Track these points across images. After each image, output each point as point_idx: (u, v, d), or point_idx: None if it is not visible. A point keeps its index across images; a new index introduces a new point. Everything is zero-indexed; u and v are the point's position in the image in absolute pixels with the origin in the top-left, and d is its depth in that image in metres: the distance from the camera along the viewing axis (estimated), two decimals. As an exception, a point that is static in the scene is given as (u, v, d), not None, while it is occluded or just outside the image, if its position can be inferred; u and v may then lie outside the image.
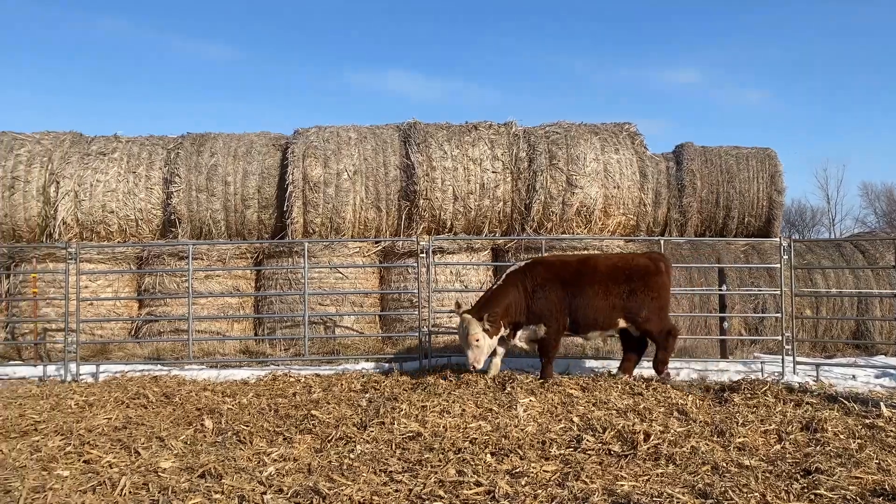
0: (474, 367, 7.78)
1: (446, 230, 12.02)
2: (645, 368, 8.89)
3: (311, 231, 11.99)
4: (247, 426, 6.20)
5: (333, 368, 9.48)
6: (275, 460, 5.22)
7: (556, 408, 6.63)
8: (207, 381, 8.65)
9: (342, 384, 8.04)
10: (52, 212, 11.91)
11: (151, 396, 7.44)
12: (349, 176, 11.91)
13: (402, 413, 6.29)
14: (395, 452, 5.32)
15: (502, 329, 8.01)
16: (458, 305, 8.15)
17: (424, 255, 9.71)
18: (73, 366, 9.29)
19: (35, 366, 9.79)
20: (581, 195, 11.78)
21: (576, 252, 11.10)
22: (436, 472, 4.67)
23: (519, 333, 8.21)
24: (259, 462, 5.21)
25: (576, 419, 6.18)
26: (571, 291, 8.04)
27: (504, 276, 8.38)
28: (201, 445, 5.73)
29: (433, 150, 11.94)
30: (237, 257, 11.89)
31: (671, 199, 13.17)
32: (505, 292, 8.06)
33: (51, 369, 9.52)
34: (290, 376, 8.82)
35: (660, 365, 8.26)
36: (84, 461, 5.34)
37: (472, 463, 4.89)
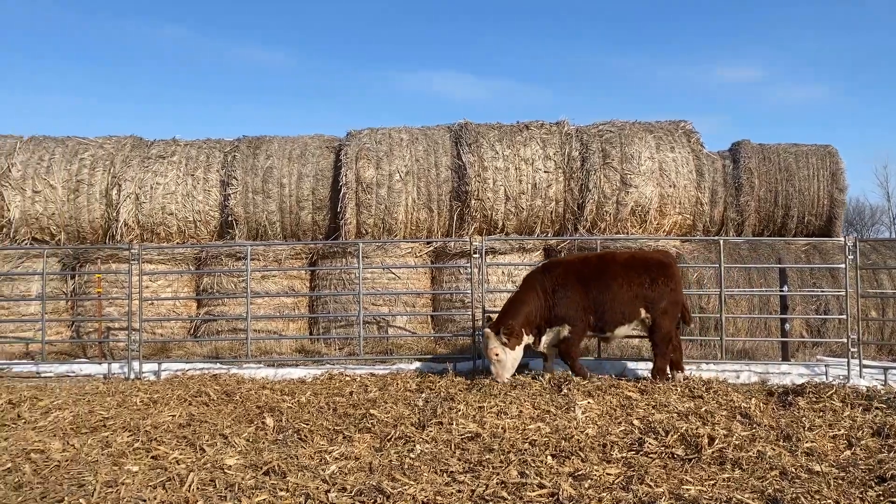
0: (499, 381, 7.72)
1: (498, 230, 11.99)
2: (703, 371, 8.74)
3: (364, 232, 12.11)
4: (307, 424, 6.29)
5: (388, 368, 9.54)
6: (336, 458, 5.27)
7: (614, 410, 6.54)
8: (266, 380, 8.81)
9: (397, 384, 8.09)
10: (114, 214, 12.28)
11: (212, 394, 7.61)
12: (401, 177, 11.98)
13: (459, 413, 6.29)
14: (454, 453, 5.32)
15: (525, 337, 7.98)
16: (489, 319, 8.23)
17: (477, 255, 9.69)
18: (136, 364, 9.55)
19: (100, 363, 10.10)
20: (636, 194, 11.63)
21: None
22: (497, 474, 4.65)
23: (543, 339, 8.16)
24: (321, 460, 5.27)
25: (636, 422, 6.08)
26: (594, 287, 8.02)
27: (522, 281, 8.39)
28: (263, 443, 5.83)
29: (484, 150, 11.93)
30: (292, 258, 12.07)
31: (728, 197, 12.88)
32: (522, 300, 8.03)
33: (115, 367, 9.81)
34: (346, 375, 8.92)
35: (659, 374, 8.08)
36: (152, 457, 5.48)
37: (533, 465, 4.86)
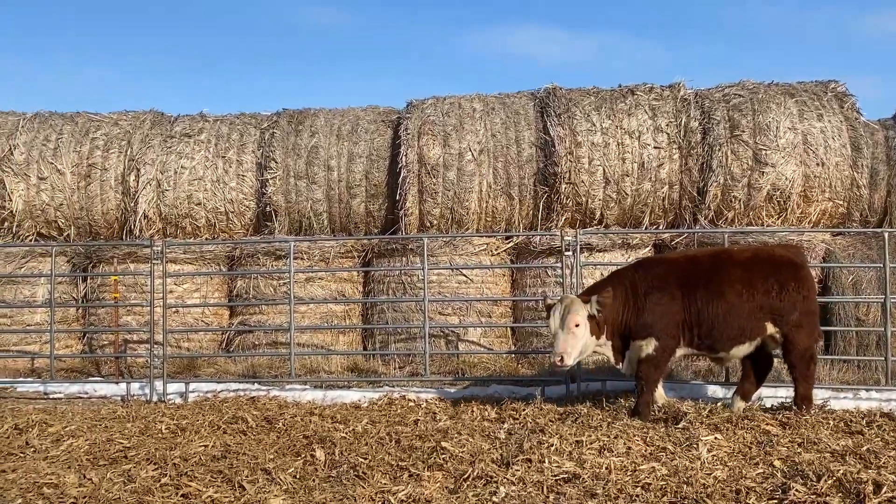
0: (560, 361, 7.38)
1: (595, 222, 11.91)
2: (862, 401, 8.47)
3: (429, 224, 12.19)
4: (365, 459, 6.37)
5: (459, 391, 9.58)
6: (402, 501, 5.33)
7: (749, 448, 6.41)
8: (313, 404, 8.97)
9: (473, 411, 8.12)
10: (132, 204, 12.73)
11: (251, 421, 7.79)
12: (474, 156, 12.02)
13: (552, 449, 6.27)
14: (547, 497, 5.31)
15: (604, 336, 7.74)
16: (546, 297, 8.19)
17: (569, 252, 9.64)
18: (158, 384, 9.89)
19: (117, 383, 10.50)
20: (773, 175, 11.35)
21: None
22: (604, 524, 4.62)
23: (627, 354, 7.93)
24: (383, 502, 5.33)
25: (777, 463, 5.95)
26: (702, 295, 7.72)
27: (609, 276, 8.31)
28: (314, 480, 5.94)
29: (578, 121, 11.85)
30: (342, 256, 12.25)
31: (893, 179, 12.41)
32: (613, 288, 7.76)
33: (134, 387, 10.18)
34: (409, 399, 9.01)
35: (804, 402, 7.78)
36: (182, 495, 5.65)
37: (646, 514, 4.80)
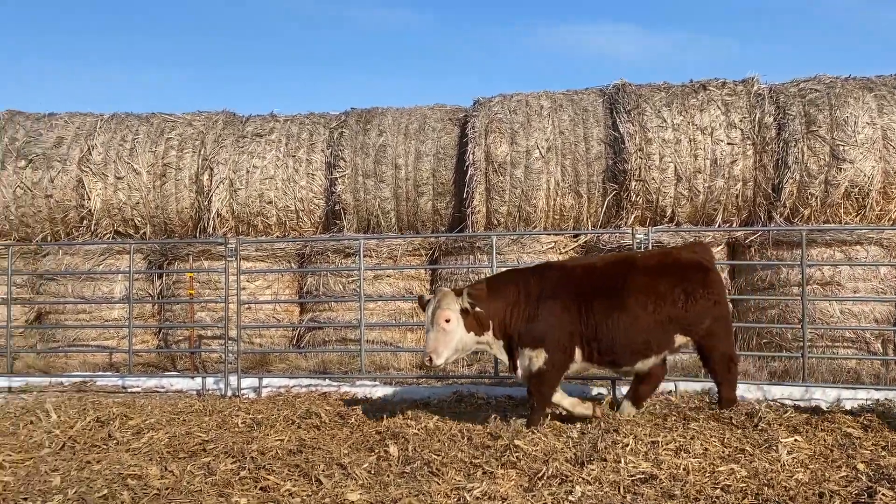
0: (429, 361, 6.96)
1: (666, 219, 11.75)
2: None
3: (496, 222, 12.20)
4: (438, 455, 6.40)
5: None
6: (477, 498, 5.34)
7: (830, 451, 6.27)
8: (384, 400, 9.05)
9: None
10: (205, 203, 13.02)
11: (324, 416, 7.91)
12: (541, 154, 11.98)
13: (627, 449, 6.21)
14: (624, 497, 5.27)
15: (490, 332, 7.23)
16: (421, 297, 7.59)
17: (641, 250, 9.52)
18: (233, 378, 10.08)
19: (192, 377, 10.73)
20: (851, 171, 11.04)
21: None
22: (684, 525, 4.57)
23: (519, 362, 7.36)
24: (458, 499, 5.35)
25: (861, 466, 5.81)
26: (600, 305, 7.21)
27: (507, 270, 7.99)
28: (388, 476, 5.98)
29: (648, 117, 11.72)
30: (409, 254, 12.35)
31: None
32: (504, 286, 7.35)
33: (209, 382, 10.39)
34: (479, 397, 9.02)
35: (727, 405, 7.57)
36: (261, 488, 5.76)
37: (729, 516, 4.73)
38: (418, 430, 7.35)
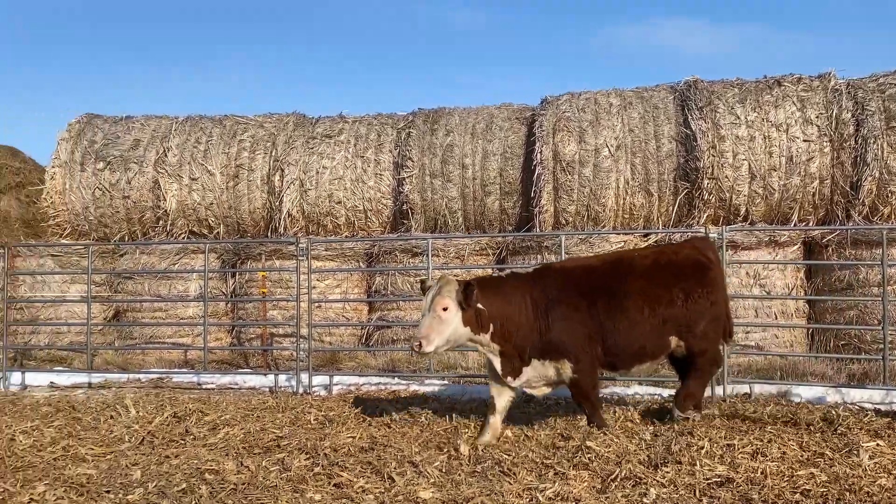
0: (418, 346, 6.56)
1: (739, 218, 11.54)
2: None
3: (564, 221, 12.12)
4: (508, 455, 6.38)
5: (600, 391, 9.47)
6: (550, 499, 5.31)
7: (915, 456, 6.07)
8: (451, 399, 9.08)
9: (615, 411, 7.99)
10: (276, 203, 13.24)
11: (395, 414, 7.97)
12: (610, 152, 11.87)
13: (703, 451, 6.11)
14: (700, 500, 5.18)
15: (487, 334, 6.80)
16: (423, 281, 7.24)
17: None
18: (304, 376, 10.23)
19: (265, 374, 10.94)
20: (934, 168, 10.68)
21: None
22: (764, 531, 4.48)
23: (527, 371, 7.02)
24: (531, 499, 5.33)
25: (948, 473, 5.61)
26: (602, 306, 6.98)
27: (505, 278, 7.57)
28: (459, 475, 5.98)
29: (721, 114, 11.51)
30: (476, 253, 12.34)
31: None
32: (506, 290, 7.03)
33: (281, 379, 10.57)
34: (550, 398, 8.97)
35: (687, 399, 7.32)
36: (334, 485, 5.82)
37: (811, 522, 4.62)
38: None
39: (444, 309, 6.59)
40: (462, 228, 12.90)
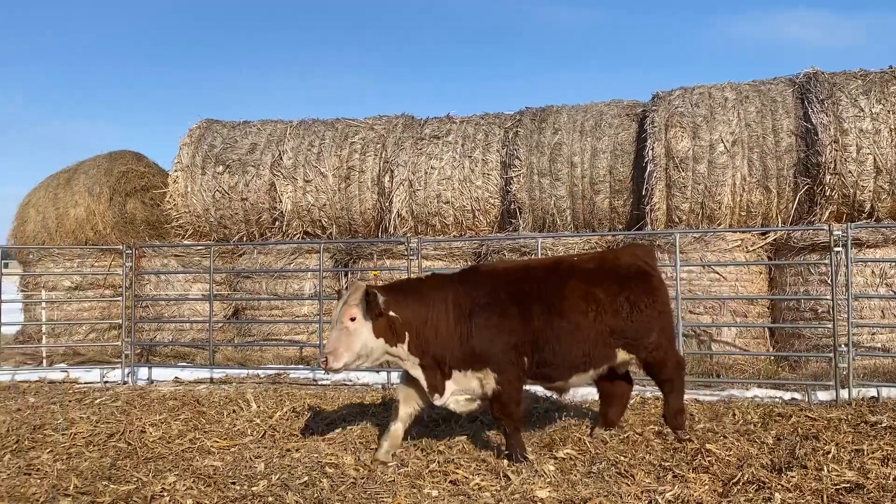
0: (324, 363, 6.07)
1: (864, 215, 11.07)
2: None
3: (677, 219, 11.89)
4: (624, 457, 6.34)
5: (715, 394, 9.26)
6: (669, 501, 5.25)
7: None
8: (558, 399, 9.04)
9: (734, 414, 7.81)
10: (386, 203, 13.46)
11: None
12: (726, 148, 11.59)
13: (829, 457, 5.93)
14: (828, 507, 5.04)
15: (404, 346, 6.26)
16: (340, 291, 6.79)
17: (838, 248, 9.01)
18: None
19: (377, 372, 11.12)
20: None
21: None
22: (900, 540, 4.32)
23: (450, 386, 6.42)
24: (650, 501, 5.29)
25: None
26: (538, 316, 6.41)
27: (427, 278, 6.98)
28: (575, 475, 5.98)
29: (843, 107, 11.08)
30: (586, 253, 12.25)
31: None
32: (423, 294, 6.45)
33: (394, 376, 10.74)
34: (660, 399, 8.84)
35: (678, 416, 6.89)
36: (450, 481, 5.91)
37: (950, 532, 4.42)
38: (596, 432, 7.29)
39: (352, 319, 6.07)
40: (571, 227, 12.81)
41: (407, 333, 6.24)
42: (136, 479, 6.06)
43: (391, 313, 6.16)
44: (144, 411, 8.65)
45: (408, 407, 6.64)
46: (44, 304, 14.21)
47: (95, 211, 15.33)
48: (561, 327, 6.41)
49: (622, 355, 6.70)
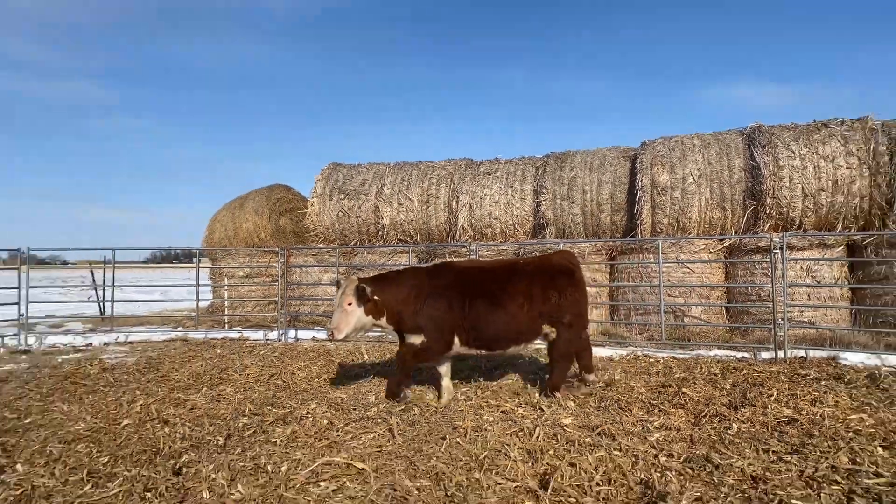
0: (333, 335, 6.01)
1: (794, 227, 10.70)
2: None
3: (659, 230, 11.68)
4: (623, 397, 6.27)
5: (687, 353, 9.09)
6: (657, 428, 5.19)
7: (947, 408, 5.47)
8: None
9: (701, 367, 7.66)
10: (453, 219, 13.50)
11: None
12: (694, 179, 11.33)
13: (771, 399, 5.78)
14: (772, 434, 4.91)
15: (384, 319, 6.20)
16: (338, 282, 6.44)
17: (778, 250, 8.77)
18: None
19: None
20: (959, 186, 9.51)
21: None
22: (826, 458, 4.20)
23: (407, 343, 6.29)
24: (643, 428, 5.23)
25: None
26: (483, 304, 6.14)
27: (407, 269, 6.69)
28: (589, 408, 5.96)
29: (779, 150, 10.74)
30: (593, 253, 12.10)
31: None
32: (401, 282, 6.31)
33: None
34: (650, 357, 8.71)
35: (553, 388, 6.35)
36: (501, 411, 5.93)
37: (863, 453, 4.28)
38: (607, 378, 7.24)
39: (349, 304, 6.07)
40: (583, 235, 12.68)
41: (385, 310, 6.19)
42: (289, 405, 6.22)
43: (375, 297, 6.14)
44: (293, 359, 8.83)
45: (443, 367, 6.52)
46: (226, 287, 14.64)
47: (260, 225, 15.73)
48: (498, 312, 6.17)
49: (546, 329, 6.38)
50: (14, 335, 11.27)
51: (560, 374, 6.41)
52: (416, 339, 6.18)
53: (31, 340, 11.29)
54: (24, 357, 9.83)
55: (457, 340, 6.21)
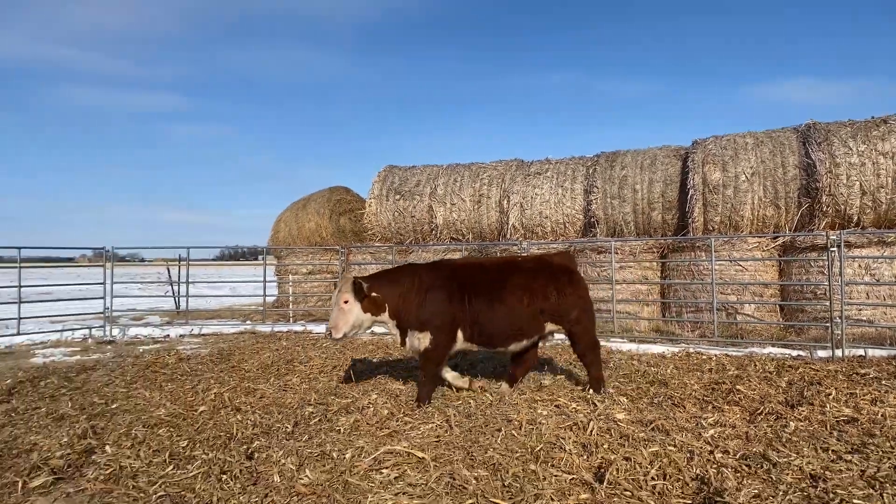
0: (330, 334, 5.77)
1: (852, 224, 10.21)
2: None
3: (711, 228, 11.35)
4: (677, 392, 6.13)
5: (740, 351, 8.81)
6: (711, 424, 5.05)
7: None
8: (631, 352, 8.81)
9: (755, 365, 7.41)
10: (505, 218, 13.47)
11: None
12: (747, 177, 10.96)
13: (830, 397, 5.55)
14: (831, 433, 4.71)
15: (385, 313, 5.93)
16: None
17: (835, 248, 8.39)
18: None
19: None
20: None
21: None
22: (888, 458, 4.00)
23: (407, 341, 6.00)
24: (697, 424, 5.10)
25: None
26: (483, 300, 5.88)
27: (406, 265, 6.34)
28: (642, 403, 5.84)
29: (836, 147, 10.27)
30: (645, 251, 11.88)
31: None
32: (399, 278, 6.04)
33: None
34: (702, 354, 8.48)
35: (597, 384, 6.14)
36: (555, 405, 5.86)
37: (929, 455, 4.06)
38: (660, 375, 7.08)
39: (346, 302, 5.84)
40: (634, 234, 12.45)
41: (387, 305, 5.97)
42: (351, 395, 6.28)
43: (373, 294, 5.93)
44: (353, 352, 8.88)
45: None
46: (290, 283, 15.02)
47: (321, 225, 16.06)
48: (499, 309, 5.94)
49: (550, 326, 6.17)
50: (100, 327, 11.88)
51: (596, 366, 6.28)
52: (418, 335, 5.96)
53: (116, 332, 11.88)
54: (109, 347, 10.35)
55: (460, 335, 6.02)
